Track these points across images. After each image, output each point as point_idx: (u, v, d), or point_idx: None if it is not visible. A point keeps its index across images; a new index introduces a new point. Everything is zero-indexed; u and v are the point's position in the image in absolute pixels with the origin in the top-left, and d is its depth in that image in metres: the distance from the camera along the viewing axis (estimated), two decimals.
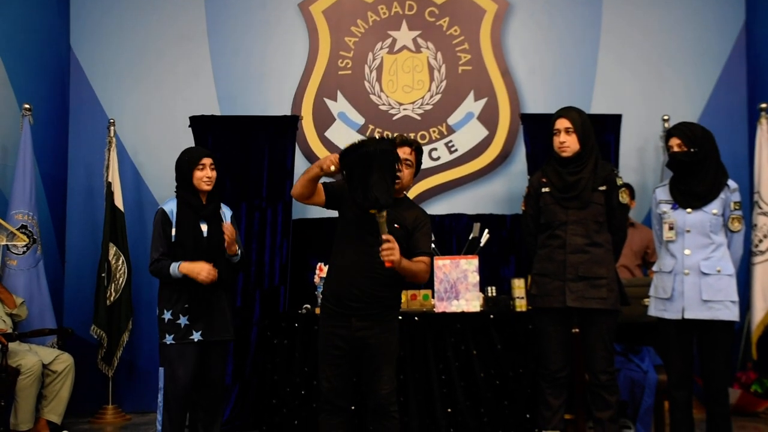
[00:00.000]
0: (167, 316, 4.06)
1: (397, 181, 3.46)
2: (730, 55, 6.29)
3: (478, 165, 6.28)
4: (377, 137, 3.41)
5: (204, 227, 4.14)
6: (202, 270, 3.99)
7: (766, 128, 5.55)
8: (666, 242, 3.94)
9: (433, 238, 4.58)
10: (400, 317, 3.84)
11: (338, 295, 3.58)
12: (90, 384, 5.74)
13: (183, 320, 4.03)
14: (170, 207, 4.15)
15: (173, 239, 4.08)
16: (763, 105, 5.60)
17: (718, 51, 6.30)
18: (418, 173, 3.84)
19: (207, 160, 4.16)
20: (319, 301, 4.24)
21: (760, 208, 5.35)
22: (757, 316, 5.32)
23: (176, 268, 4.00)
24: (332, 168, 3.35)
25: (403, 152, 3.62)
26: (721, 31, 6.31)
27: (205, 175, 4.14)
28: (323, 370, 3.63)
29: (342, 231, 3.65)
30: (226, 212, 4.35)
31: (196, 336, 4.04)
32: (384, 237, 3.31)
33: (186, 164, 4.15)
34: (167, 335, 4.06)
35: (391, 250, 3.31)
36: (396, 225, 3.54)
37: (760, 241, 5.29)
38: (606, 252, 3.98)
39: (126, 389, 6.04)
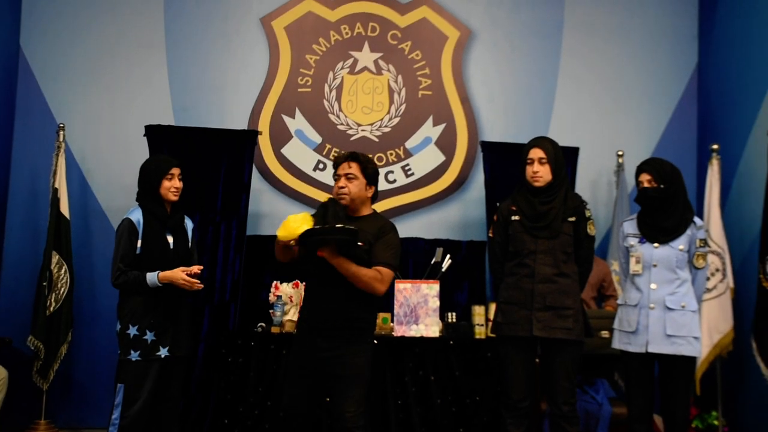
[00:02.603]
0: (132, 331, 3.91)
1: (343, 195, 3.71)
2: (682, 95, 6.47)
3: (434, 190, 6.28)
4: (339, 226, 3.49)
5: (170, 239, 4.02)
6: (182, 278, 3.88)
7: (716, 169, 5.70)
8: (632, 275, 4.00)
9: None
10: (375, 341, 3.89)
11: (309, 316, 3.69)
12: (22, 397, 5.49)
13: (150, 335, 3.90)
14: (137, 217, 4.01)
15: (138, 251, 3.94)
16: (715, 146, 5.76)
17: (671, 90, 6.48)
18: (375, 189, 3.89)
19: (176, 170, 4.06)
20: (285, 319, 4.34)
21: (709, 246, 5.48)
22: (703, 352, 5.43)
23: (155, 277, 3.86)
24: (292, 243, 3.57)
25: (342, 168, 3.77)
26: (674, 71, 6.50)
27: (173, 185, 4.04)
28: (286, 386, 3.76)
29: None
30: (189, 224, 4.26)
31: (163, 352, 3.92)
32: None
33: (154, 173, 4.04)
34: (132, 351, 3.91)
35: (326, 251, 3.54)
36: (360, 243, 3.61)
37: (708, 278, 5.42)
38: (573, 282, 4.01)
39: (60, 404, 5.79)
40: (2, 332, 5.65)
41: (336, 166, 3.83)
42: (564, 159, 4.09)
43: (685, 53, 6.52)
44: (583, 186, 6.10)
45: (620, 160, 6.12)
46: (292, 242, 3.55)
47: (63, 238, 5.64)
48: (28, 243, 5.93)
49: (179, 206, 4.16)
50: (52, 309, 5.54)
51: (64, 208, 5.67)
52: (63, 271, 5.63)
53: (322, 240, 3.50)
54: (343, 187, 3.73)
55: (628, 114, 6.43)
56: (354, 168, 3.77)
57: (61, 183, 5.66)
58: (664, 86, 6.47)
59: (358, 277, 3.59)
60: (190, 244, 4.23)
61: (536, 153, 4.03)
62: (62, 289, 5.62)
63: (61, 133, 5.74)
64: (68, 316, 5.61)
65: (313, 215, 3.69)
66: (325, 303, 3.67)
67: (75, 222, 5.82)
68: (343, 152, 3.89)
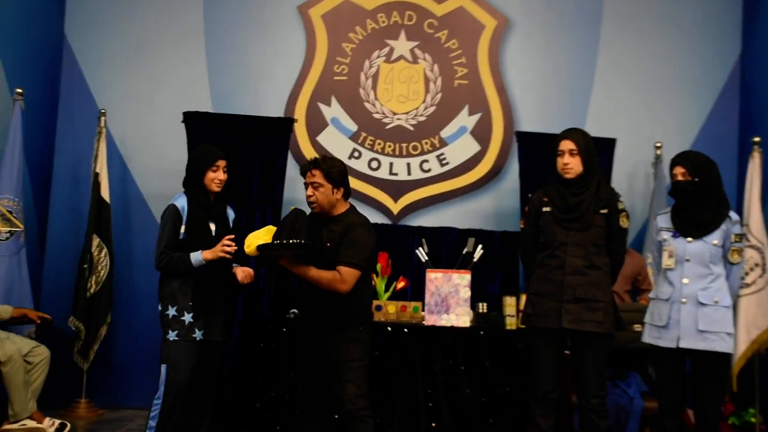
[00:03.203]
0: (171, 312, 4.03)
1: (312, 204, 3.87)
2: (724, 86, 6.35)
3: (469, 179, 6.28)
4: (293, 242, 3.67)
5: (212, 226, 4.13)
6: (220, 248, 4.01)
7: (758, 162, 5.60)
8: (665, 270, 3.96)
9: (425, 252, 4.69)
10: (389, 328, 4.23)
11: (301, 310, 4.06)
12: (64, 376, 5.62)
13: (187, 317, 4.01)
14: (182, 203, 4.12)
15: (182, 236, 4.04)
16: (756, 138, 5.65)
17: (713, 82, 6.36)
18: (344, 188, 3.97)
19: (222, 162, 4.16)
20: None
21: (748, 240, 5.40)
22: (740, 348, 5.35)
23: (199, 255, 3.99)
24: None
25: (309, 177, 3.88)
26: (716, 62, 6.38)
27: (217, 177, 4.14)
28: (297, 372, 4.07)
29: None
30: (231, 214, 4.38)
31: (198, 335, 4.01)
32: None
33: (201, 163, 4.14)
34: (171, 331, 4.02)
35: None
36: (328, 244, 3.83)
37: (747, 273, 5.34)
38: (604, 275, 3.98)
39: (100, 384, 5.93)
40: (46, 312, 5.77)
41: (302, 175, 3.95)
42: (596, 151, 4.05)
43: (727, 43, 6.39)
44: (620, 178, 6.04)
45: (658, 152, 6.04)
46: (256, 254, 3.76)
47: (103, 222, 5.77)
48: (70, 227, 6.08)
49: (222, 196, 4.25)
50: (92, 291, 5.69)
51: (105, 193, 5.80)
52: (103, 254, 5.75)
53: (277, 255, 3.72)
54: (310, 196, 3.87)
55: (667, 105, 6.34)
56: (318, 176, 3.86)
57: (102, 168, 5.79)
58: (706, 77, 6.36)
59: (318, 281, 3.76)
60: (230, 231, 4.31)
61: (567, 144, 4.00)
62: (102, 272, 5.75)
63: (103, 118, 5.87)
64: (108, 298, 5.76)
65: (278, 225, 3.85)
66: (308, 300, 3.92)
67: (115, 206, 5.95)
68: (310, 160, 3.98)
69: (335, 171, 3.88)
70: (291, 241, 3.63)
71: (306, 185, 3.90)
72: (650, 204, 6.00)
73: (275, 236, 3.74)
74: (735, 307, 5.46)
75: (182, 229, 4.07)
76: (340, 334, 3.84)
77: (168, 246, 4.04)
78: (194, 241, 4.04)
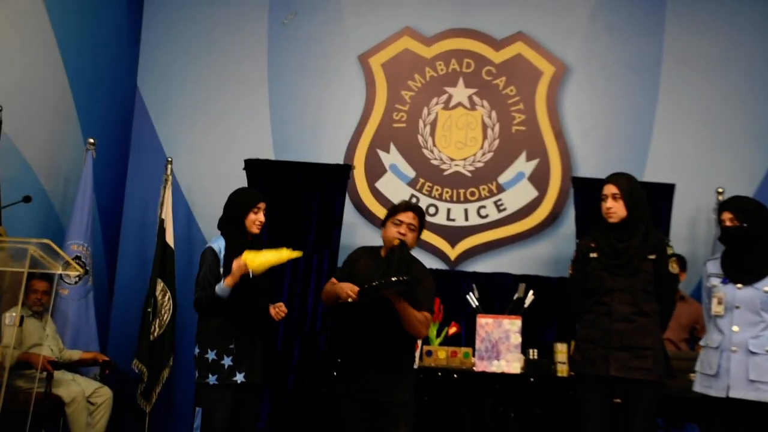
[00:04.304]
0: (211, 355, 4.04)
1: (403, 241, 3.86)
2: None
3: (526, 225, 6.28)
4: (395, 279, 3.67)
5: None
6: (236, 267, 3.98)
7: None
8: (714, 317, 3.87)
9: (476, 297, 4.70)
10: (439, 373, 3.92)
11: (351, 354, 3.91)
12: (127, 418, 5.76)
13: (227, 360, 4.02)
14: (218, 245, 4.18)
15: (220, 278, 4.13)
16: None
17: None
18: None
19: (262, 205, 4.23)
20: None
21: None
22: None
23: (221, 284, 4.01)
24: (349, 300, 3.74)
25: (407, 217, 3.91)
26: None
27: (258, 219, 4.20)
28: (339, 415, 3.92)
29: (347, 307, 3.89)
30: None
31: (239, 377, 4.04)
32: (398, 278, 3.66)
33: (242, 205, 4.21)
34: (210, 375, 4.02)
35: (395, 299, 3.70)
36: (393, 278, 3.75)
37: None
38: (653, 322, 3.91)
39: (162, 426, 6.07)
40: (112, 355, 5.95)
41: (398, 212, 3.95)
42: (643, 195, 4.01)
43: None
44: (680, 223, 5.95)
45: (720, 198, 5.92)
46: (350, 300, 3.74)
47: (167, 266, 5.95)
48: (137, 272, 6.29)
49: (258, 238, 4.33)
50: (155, 334, 5.83)
51: (170, 238, 5.99)
52: (167, 298, 5.92)
53: (381, 294, 3.70)
54: (404, 235, 3.89)
55: (729, 149, 6.23)
56: (416, 220, 3.94)
57: (167, 214, 5.99)
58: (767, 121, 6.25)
59: (412, 321, 3.77)
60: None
61: (609, 189, 3.98)
62: (165, 316, 5.91)
63: (169, 166, 6.09)
64: (170, 341, 5.89)
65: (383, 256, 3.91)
66: (364, 342, 3.85)
67: (180, 251, 6.12)
68: (404, 201, 4.09)
69: (425, 221, 4.01)
70: (403, 278, 3.65)
71: (398, 223, 3.90)
72: (712, 251, 5.86)
73: (384, 272, 3.74)
74: None
75: (221, 270, 4.14)
76: (395, 375, 3.85)
77: (203, 285, 4.09)
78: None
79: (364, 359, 3.88)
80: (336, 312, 5.18)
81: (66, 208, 5.67)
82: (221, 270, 4.10)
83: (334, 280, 3.98)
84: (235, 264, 3.98)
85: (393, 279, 3.64)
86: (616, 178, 4.02)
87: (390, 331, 3.79)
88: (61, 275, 5.29)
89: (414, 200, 6.30)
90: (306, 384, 5.07)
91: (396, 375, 3.86)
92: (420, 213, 3.97)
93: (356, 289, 3.73)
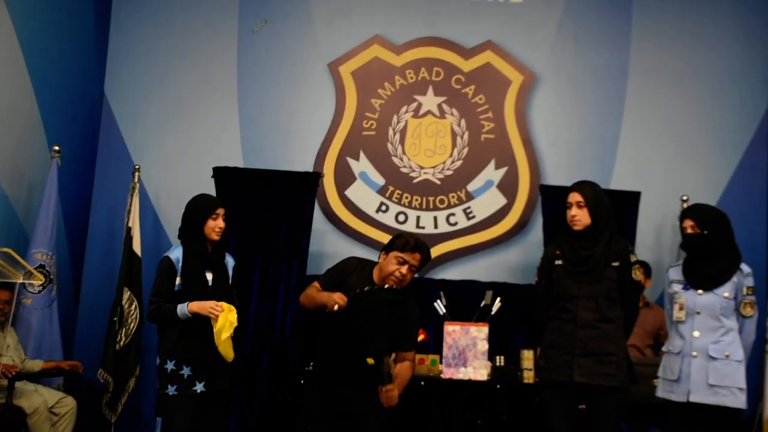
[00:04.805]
0: (170, 366, 4.02)
1: (401, 283, 3.81)
2: (752, 138, 6.30)
3: (495, 233, 6.30)
4: (388, 286, 3.72)
5: (209, 276, 4.15)
6: (211, 306, 3.97)
7: None
8: (676, 323, 3.92)
9: (444, 305, 4.73)
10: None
11: (328, 364, 3.88)
12: (91, 428, 5.69)
13: (186, 370, 4.00)
14: (176, 255, 4.15)
15: (177, 287, 4.08)
16: None
17: (740, 134, 6.32)
18: None
19: (221, 210, 4.19)
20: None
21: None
22: None
23: (185, 308, 3.99)
24: (335, 308, 3.66)
25: (414, 258, 3.82)
26: (744, 115, 6.34)
27: (217, 225, 4.16)
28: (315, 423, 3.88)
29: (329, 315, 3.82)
30: (230, 261, 4.37)
31: (199, 387, 4.00)
32: (387, 387, 3.69)
33: (200, 211, 4.17)
34: (170, 386, 4.00)
35: (391, 397, 3.71)
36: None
37: None
38: (616, 328, 3.95)
39: None
40: None
41: (405, 250, 3.82)
42: (608, 203, 4.05)
43: (754, 98, 6.36)
44: (646, 231, 6.01)
45: (685, 205, 5.98)
46: (336, 308, 3.68)
47: (134, 275, 5.88)
48: (104, 280, 6.22)
49: (220, 244, 4.28)
50: (122, 343, 5.75)
51: (137, 246, 5.92)
52: (134, 307, 5.86)
53: (374, 301, 3.74)
54: (404, 275, 3.81)
55: (694, 158, 6.31)
56: (419, 261, 3.85)
57: (134, 222, 5.92)
58: (733, 131, 6.32)
59: (406, 382, 3.89)
60: (230, 281, 4.33)
61: (574, 197, 4.03)
62: (132, 325, 5.84)
63: (137, 173, 6.03)
64: (137, 350, 5.82)
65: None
66: (346, 351, 3.82)
67: (147, 260, 6.02)
68: (418, 241, 3.88)
69: (430, 258, 3.96)
70: (393, 286, 3.73)
71: (403, 261, 3.80)
72: (677, 258, 5.92)
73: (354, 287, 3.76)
74: (761, 363, 5.36)
75: (178, 280, 4.10)
76: (372, 383, 3.78)
77: (158, 296, 4.07)
78: (191, 292, 4.07)
79: (341, 371, 3.83)
80: (314, 318, 5.17)
81: (30, 215, 5.60)
82: (178, 280, 4.06)
83: (317, 285, 3.93)
84: (211, 307, 3.96)
85: (385, 287, 3.70)
86: (581, 186, 4.07)
87: (371, 346, 3.75)
88: (23, 284, 5.22)
89: (383, 208, 6.31)
90: (275, 392, 5.04)
91: (371, 385, 3.80)
92: (427, 256, 3.88)
93: (345, 298, 3.68)
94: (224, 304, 3.99)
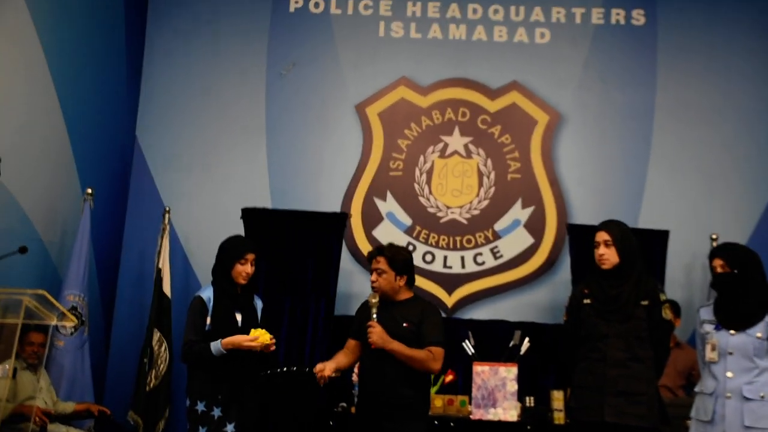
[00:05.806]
0: (200, 407, 4.04)
1: (375, 288, 4.00)
2: None
3: (522, 272, 6.29)
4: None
5: (239, 316, 4.19)
6: (246, 341, 4.02)
7: None
8: (708, 363, 3.87)
9: (472, 345, 4.70)
10: (435, 422, 3.95)
11: (363, 395, 4.01)
12: None
13: (216, 411, 4.02)
14: (207, 295, 4.20)
15: (207, 327, 4.12)
16: None
17: None
18: (408, 276, 4.08)
19: (251, 256, 4.23)
20: (356, 400, 4.37)
21: None
22: None
23: (219, 344, 4.02)
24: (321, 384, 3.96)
25: (376, 263, 4.00)
26: None
27: (245, 270, 4.20)
28: None
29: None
30: (258, 303, 4.41)
31: (230, 428, 4.02)
32: (369, 323, 3.88)
33: (229, 254, 4.22)
34: (200, 427, 4.02)
35: (372, 333, 3.85)
36: (405, 324, 3.92)
37: None
38: (647, 368, 3.91)
39: None
40: (107, 406, 5.91)
41: (369, 260, 4.09)
42: (635, 242, 4.04)
43: None
44: (676, 269, 5.97)
45: (714, 244, 5.94)
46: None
47: (164, 316, 5.93)
48: (134, 321, 6.28)
49: (249, 286, 4.33)
50: (152, 385, 5.78)
51: (167, 288, 5.98)
52: (163, 348, 5.89)
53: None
54: (374, 281, 4.01)
55: (723, 196, 6.27)
56: (382, 262, 4.00)
57: (164, 263, 5.99)
58: (761, 168, 6.27)
59: (413, 359, 3.84)
60: (258, 321, 4.36)
61: (601, 236, 4.02)
62: (162, 366, 5.87)
63: (167, 215, 6.12)
64: (167, 392, 5.85)
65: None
66: (376, 383, 3.91)
67: (177, 301, 6.10)
68: (376, 247, 4.15)
69: (399, 259, 4.02)
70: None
71: (371, 271, 4.04)
72: (707, 296, 5.86)
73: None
74: None
75: (208, 320, 4.14)
76: (408, 412, 3.86)
77: (194, 335, 4.11)
78: (220, 332, 4.10)
79: (378, 399, 3.91)
80: None
81: (63, 258, 5.68)
82: (208, 320, 4.11)
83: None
84: (246, 340, 4.03)
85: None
86: (608, 225, 4.06)
87: (398, 373, 3.84)
88: (56, 326, 5.28)
89: (411, 248, 6.31)
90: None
91: (410, 411, 3.88)
92: (383, 253, 4.02)
93: (325, 375, 3.88)
94: (254, 331, 4.07)
